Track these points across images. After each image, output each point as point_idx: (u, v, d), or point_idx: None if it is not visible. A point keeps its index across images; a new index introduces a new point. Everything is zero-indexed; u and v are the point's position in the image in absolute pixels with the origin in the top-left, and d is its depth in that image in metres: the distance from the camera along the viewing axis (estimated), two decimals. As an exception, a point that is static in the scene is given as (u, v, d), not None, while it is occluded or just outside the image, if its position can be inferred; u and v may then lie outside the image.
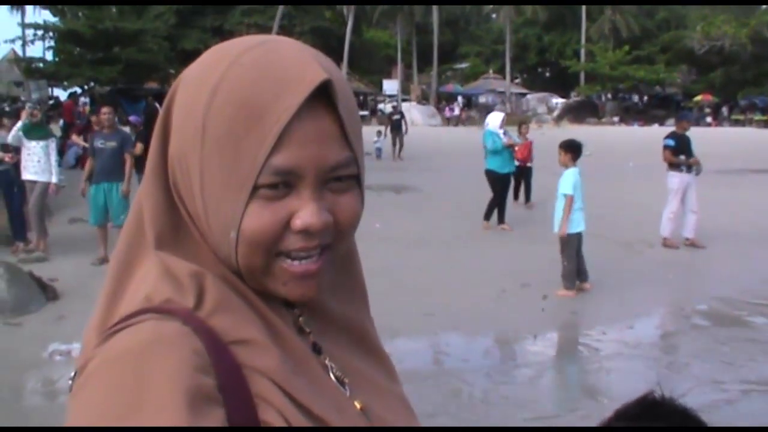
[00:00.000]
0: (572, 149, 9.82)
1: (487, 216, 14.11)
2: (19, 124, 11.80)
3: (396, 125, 29.47)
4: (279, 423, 0.90)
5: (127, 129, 14.53)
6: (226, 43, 1.01)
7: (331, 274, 1.05)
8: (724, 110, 62.87)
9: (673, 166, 12.50)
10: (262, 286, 0.99)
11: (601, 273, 10.04)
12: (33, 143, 11.48)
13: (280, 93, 0.92)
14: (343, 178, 0.98)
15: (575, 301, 9.33)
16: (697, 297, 9.93)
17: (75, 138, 15.85)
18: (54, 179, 11.57)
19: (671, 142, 12.56)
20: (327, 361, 1.05)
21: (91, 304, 1.04)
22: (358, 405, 1.04)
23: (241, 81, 0.93)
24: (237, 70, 0.94)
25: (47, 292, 9.20)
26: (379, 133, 29.86)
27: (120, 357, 0.87)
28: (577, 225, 9.64)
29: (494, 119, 14.65)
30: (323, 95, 0.93)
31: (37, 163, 11.48)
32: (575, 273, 9.68)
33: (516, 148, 14.99)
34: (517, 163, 15.41)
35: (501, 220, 14.12)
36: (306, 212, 0.94)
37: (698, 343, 8.34)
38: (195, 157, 0.96)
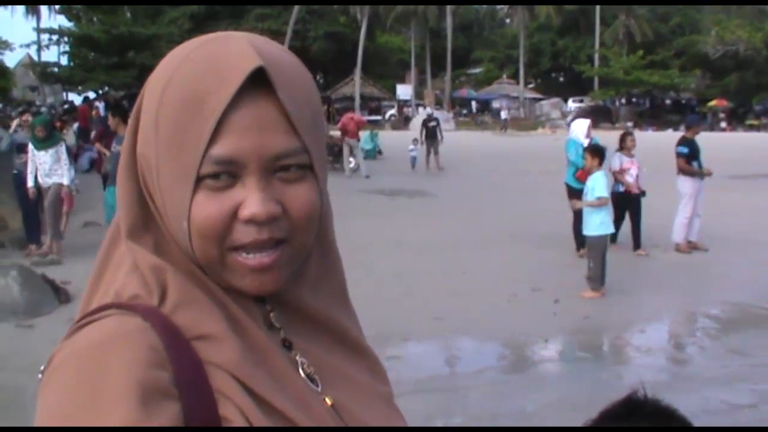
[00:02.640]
0: (599, 154, 9.99)
1: (579, 245, 11.73)
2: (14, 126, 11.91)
3: (431, 133, 26.80)
4: (237, 418, 0.91)
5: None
6: (186, 42, 1.03)
7: (307, 271, 1.09)
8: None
9: (686, 171, 12.46)
10: (223, 279, 0.99)
11: (614, 277, 9.99)
12: (41, 153, 11.61)
13: (218, 84, 0.93)
14: (293, 167, 0.97)
15: (587, 305, 9.30)
16: (710, 302, 9.89)
17: (98, 145, 15.92)
18: (65, 181, 11.64)
19: (684, 150, 12.52)
20: (297, 357, 1.05)
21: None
22: (328, 401, 1.04)
23: (187, 76, 0.95)
24: (184, 66, 0.96)
25: (60, 294, 9.22)
26: (415, 140, 27.29)
27: (80, 352, 0.91)
28: (607, 227, 9.67)
29: (580, 127, 12.83)
30: (266, 84, 0.94)
31: (49, 170, 11.57)
32: (602, 275, 9.69)
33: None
34: (621, 188, 12.35)
35: (578, 245, 11.78)
36: (250, 201, 0.94)
37: (710, 348, 8.31)
38: (152, 151, 0.98)
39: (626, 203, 12.33)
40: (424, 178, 22.76)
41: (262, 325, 1.03)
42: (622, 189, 12.24)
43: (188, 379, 0.90)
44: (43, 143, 11.57)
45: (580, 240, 11.55)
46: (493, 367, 7.72)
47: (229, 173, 0.94)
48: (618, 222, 12.01)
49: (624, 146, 12.69)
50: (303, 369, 1.04)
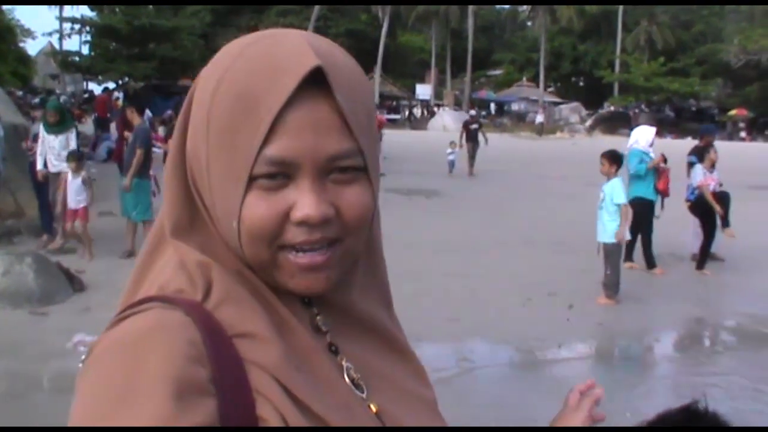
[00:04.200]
0: (617, 159, 9.73)
1: (650, 263, 11.54)
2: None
3: (473, 136, 25.15)
4: (275, 419, 0.89)
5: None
6: (239, 38, 1.02)
7: (354, 273, 1.07)
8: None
9: None
10: (272, 279, 0.98)
11: (629, 285, 9.95)
12: (52, 137, 11.53)
13: (274, 82, 0.91)
14: (347, 169, 0.96)
15: (601, 311, 9.26)
16: (725, 312, 9.86)
17: (127, 134, 15.74)
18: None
19: (694, 159, 12.42)
20: (343, 362, 1.04)
21: (117, 296, 1.04)
22: (373, 407, 1.02)
23: (241, 73, 0.93)
24: (239, 63, 0.95)
25: (74, 283, 9.26)
26: (452, 143, 25.46)
27: (119, 344, 0.90)
28: (624, 235, 9.61)
29: (645, 135, 11.88)
30: (322, 83, 0.92)
31: (57, 156, 11.51)
32: (618, 282, 9.65)
33: (661, 173, 11.57)
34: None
35: (630, 257, 11.41)
36: (303, 203, 0.93)
37: (724, 359, 8.28)
38: (203, 149, 0.97)
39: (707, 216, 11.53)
40: (442, 179, 22.66)
41: (308, 328, 1.02)
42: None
43: (227, 376, 0.89)
44: (54, 127, 11.54)
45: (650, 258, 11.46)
46: (506, 369, 7.72)
47: (282, 174, 0.93)
48: (711, 233, 11.54)
49: (705, 155, 11.79)
50: (348, 374, 1.03)
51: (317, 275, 0.97)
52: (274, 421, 0.89)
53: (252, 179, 0.92)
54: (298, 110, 0.91)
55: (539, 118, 56.92)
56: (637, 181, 11.41)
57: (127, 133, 14.82)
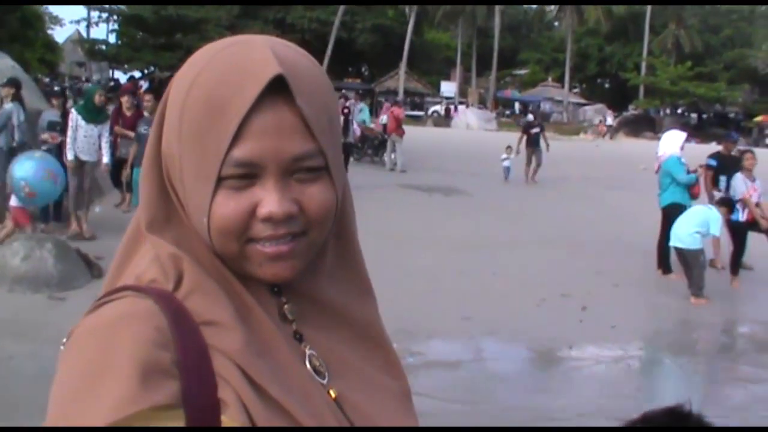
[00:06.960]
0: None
1: (662, 264, 11.34)
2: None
3: (534, 140, 23.20)
4: (233, 401, 0.95)
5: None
6: (211, 43, 1.08)
7: (323, 264, 1.13)
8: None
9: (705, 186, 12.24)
10: (241, 269, 1.04)
11: (645, 288, 9.94)
12: (91, 126, 11.47)
13: (240, 89, 0.97)
14: (310, 169, 1.02)
15: (615, 314, 9.26)
16: (740, 320, 9.83)
17: (117, 129, 14.94)
18: (105, 160, 11.73)
19: (712, 162, 12.41)
20: (307, 350, 1.09)
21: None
22: (333, 394, 1.07)
23: (210, 80, 1.00)
24: (208, 70, 1.01)
25: (93, 269, 9.37)
26: (509, 149, 23.76)
27: (94, 328, 0.97)
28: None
29: (674, 141, 11.72)
30: (285, 89, 0.98)
31: (93, 145, 11.53)
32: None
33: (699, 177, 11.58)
34: (742, 218, 11.23)
35: (667, 266, 11.23)
36: (267, 201, 0.99)
37: (735, 367, 8.27)
38: (176, 148, 1.03)
39: (738, 230, 11.23)
40: (461, 177, 22.60)
41: (275, 317, 1.08)
42: (742, 218, 11.22)
43: (191, 360, 0.95)
44: (95, 115, 11.51)
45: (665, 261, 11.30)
46: (515, 369, 7.75)
47: (248, 174, 0.99)
48: (741, 250, 11.26)
49: (743, 166, 11.35)
50: (311, 361, 1.08)
51: (283, 263, 1.03)
52: (233, 403, 0.95)
53: (221, 179, 0.99)
54: (263, 115, 0.97)
55: (610, 120, 55.51)
56: (676, 187, 11.19)
57: (119, 129, 14.57)
